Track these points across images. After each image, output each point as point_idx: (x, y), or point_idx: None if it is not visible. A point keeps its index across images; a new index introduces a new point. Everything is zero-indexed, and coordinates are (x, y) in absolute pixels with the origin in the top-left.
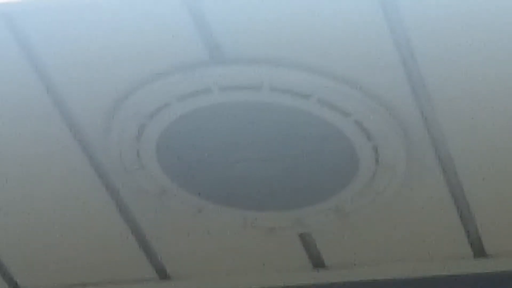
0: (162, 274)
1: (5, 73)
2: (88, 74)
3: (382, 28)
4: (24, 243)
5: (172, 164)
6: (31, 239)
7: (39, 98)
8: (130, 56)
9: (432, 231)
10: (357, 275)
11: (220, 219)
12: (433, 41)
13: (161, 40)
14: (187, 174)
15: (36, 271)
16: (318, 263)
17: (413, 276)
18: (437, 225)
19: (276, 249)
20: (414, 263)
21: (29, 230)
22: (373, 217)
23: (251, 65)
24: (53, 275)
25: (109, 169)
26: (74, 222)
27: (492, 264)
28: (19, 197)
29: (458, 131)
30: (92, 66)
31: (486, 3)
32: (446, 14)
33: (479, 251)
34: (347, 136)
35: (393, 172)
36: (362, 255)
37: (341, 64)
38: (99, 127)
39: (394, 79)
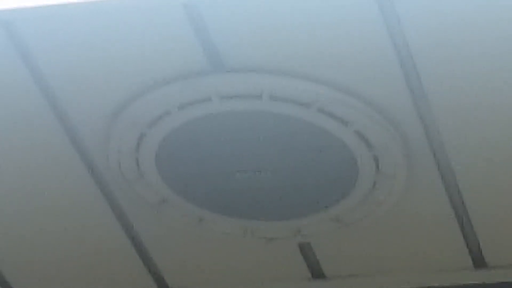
0: (162, 285)
1: (4, 81)
2: (87, 82)
3: (383, 38)
4: (22, 252)
5: (172, 174)
6: (29, 249)
7: (38, 107)
8: (130, 65)
9: (433, 242)
10: (357, 285)
11: (220, 229)
12: (434, 51)
13: (162, 49)
14: (186, 184)
15: (34, 281)
16: (317, 273)
17: (413, 287)
18: (437, 235)
19: (275, 259)
20: (414, 274)
21: (27, 240)
22: (373, 227)
23: (251, 74)
24: (51, 285)
25: (108, 178)
26: (73, 231)
27: (492, 275)
28: (17, 206)
29: (459, 141)
30: (91, 75)
31: (489, 15)
32: (447, 25)
33: (479, 262)
34: (347, 146)
35: (393, 182)
36: (361, 266)
37: (342, 74)
38: (98, 136)
39: (395, 89)
